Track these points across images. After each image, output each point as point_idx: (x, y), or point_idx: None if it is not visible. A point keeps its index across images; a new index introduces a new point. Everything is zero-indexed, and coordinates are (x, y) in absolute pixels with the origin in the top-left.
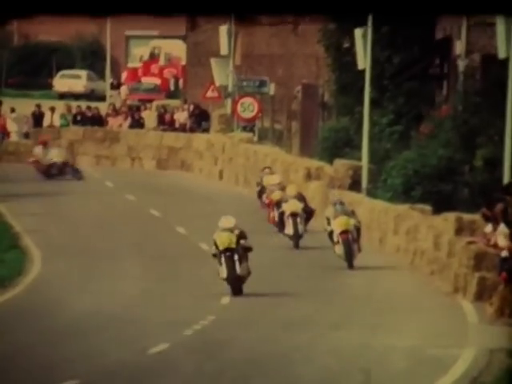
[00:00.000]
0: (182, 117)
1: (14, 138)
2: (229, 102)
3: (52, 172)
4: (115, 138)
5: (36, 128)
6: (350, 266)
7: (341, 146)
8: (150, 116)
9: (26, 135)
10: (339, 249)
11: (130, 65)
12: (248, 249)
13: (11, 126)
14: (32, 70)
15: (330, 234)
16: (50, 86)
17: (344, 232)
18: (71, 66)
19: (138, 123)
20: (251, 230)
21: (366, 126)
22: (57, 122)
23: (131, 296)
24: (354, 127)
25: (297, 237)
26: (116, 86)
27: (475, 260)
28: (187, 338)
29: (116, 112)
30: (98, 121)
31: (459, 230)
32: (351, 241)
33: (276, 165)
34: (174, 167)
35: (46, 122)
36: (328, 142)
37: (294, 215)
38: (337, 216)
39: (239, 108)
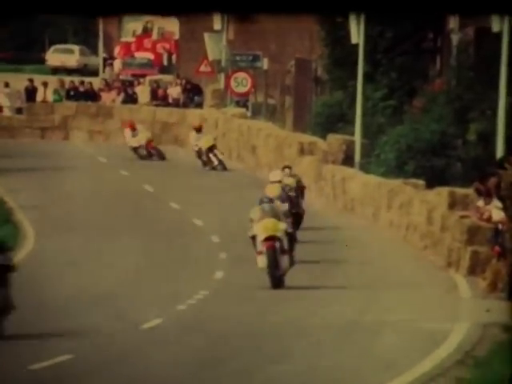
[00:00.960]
0: (175, 92)
1: (6, 113)
2: (222, 76)
3: (140, 153)
4: (108, 113)
5: (29, 103)
6: (275, 284)
7: (334, 120)
8: (143, 91)
9: (19, 110)
10: (262, 261)
11: (123, 39)
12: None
13: (4, 101)
14: (24, 45)
15: (253, 238)
16: (42, 61)
17: (269, 239)
18: (64, 41)
19: (131, 98)
20: (244, 205)
21: (360, 100)
22: (50, 97)
23: (125, 271)
24: (348, 102)
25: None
26: (108, 61)
27: (468, 234)
28: (181, 313)
29: (109, 87)
30: (91, 96)
31: (452, 205)
32: (278, 251)
33: (269, 140)
34: (168, 142)
35: (39, 96)
36: (321, 116)
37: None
38: (262, 218)
39: (232, 83)
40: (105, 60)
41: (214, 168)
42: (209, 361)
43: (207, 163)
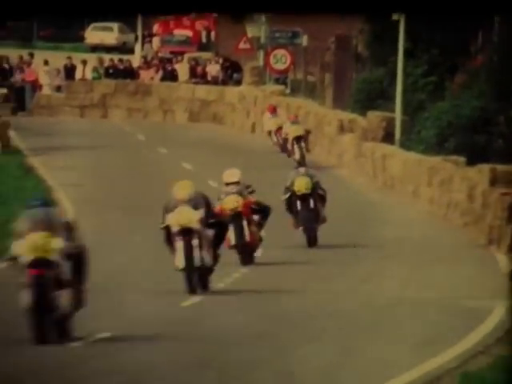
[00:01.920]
0: (213, 69)
1: (46, 91)
2: (261, 53)
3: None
4: (147, 90)
5: (68, 81)
6: (191, 290)
7: (374, 97)
8: (181, 68)
9: (58, 88)
10: (179, 259)
11: (162, 17)
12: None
13: (44, 79)
14: (63, 23)
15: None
16: (81, 39)
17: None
18: (103, 19)
19: (170, 75)
20: (281, 183)
21: (400, 77)
22: (89, 75)
23: (165, 250)
24: (388, 78)
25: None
26: (147, 38)
27: (509, 212)
28: (219, 292)
29: (148, 64)
30: (129, 73)
31: (493, 182)
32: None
33: (309, 117)
34: (206, 120)
35: (77, 74)
36: (361, 93)
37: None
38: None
39: (272, 60)
40: (144, 37)
41: (297, 162)
42: (248, 336)
43: (290, 153)
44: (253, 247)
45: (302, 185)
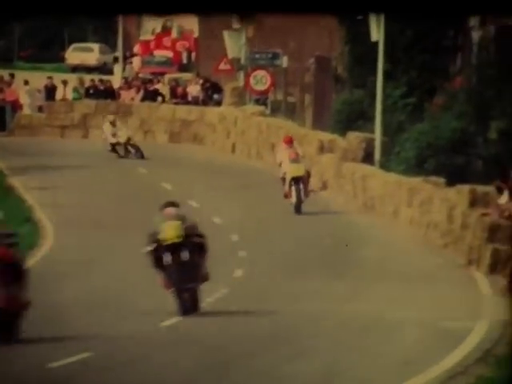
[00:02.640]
0: (194, 90)
1: (26, 111)
2: (241, 74)
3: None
4: (128, 111)
5: (48, 101)
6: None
7: (354, 118)
8: (162, 89)
9: (39, 108)
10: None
11: (143, 37)
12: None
13: (24, 99)
14: (44, 43)
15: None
16: (62, 59)
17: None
18: (83, 39)
19: (153, 95)
20: (266, 201)
21: (380, 98)
22: (69, 95)
23: (145, 269)
24: (368, 99)
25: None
26: (128, 59)
27: (489, 232)
28: (202, 311)
29: (128, 85)
30: (110, 94)
31: (473, 202)
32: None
33: None
34: (187, 140)
35: (58, 95)
36: (341, 114)
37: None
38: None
39: (252, 81)
40: (125, 58)
41: (294, 207)
42: (228, 357)
43: (287, 195)
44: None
45: (170, 231)
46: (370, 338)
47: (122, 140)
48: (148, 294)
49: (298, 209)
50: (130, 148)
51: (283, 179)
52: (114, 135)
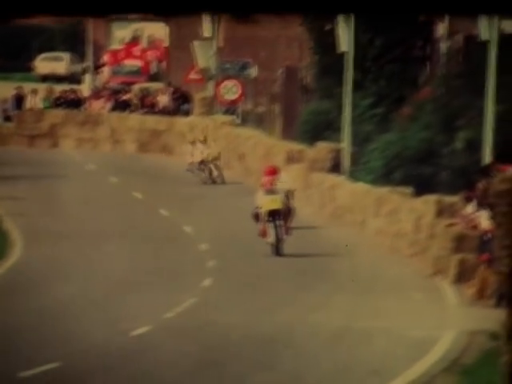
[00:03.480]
0: (163, 100)
1: None
2: (211, 84)
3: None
4: (97, 120)
5: (17, 110)
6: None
7: (322, 128)
8: (132, 99)
9: (8, 118)
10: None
11: (112, 47)
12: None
13: None
14: (12, 53)
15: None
16: (30, 69)
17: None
18: (52, 49)
19: (123, 105)
20: (236, 211)
21: (347, 108)
22: (39, 104)
23: (114, 279)
24: (336, 110)
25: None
26: (98, 68)
27: (455, 242)
28: (168, 321)
29: (98, 95)
30: (79, 104)
31: (440, 212)
32: None
33: (257, 148)
34: (157, 150)
35: (27, 104)
36: (309, 124)
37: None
38: None
39: (222, 90)
40: (95, 67)
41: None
42: (197, 366)
43: (263, 234)
44: None
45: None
46: (339, 347)
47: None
48: (119, 303)
49: (277, 250)
50: (213, 169)
51: (256, 216)
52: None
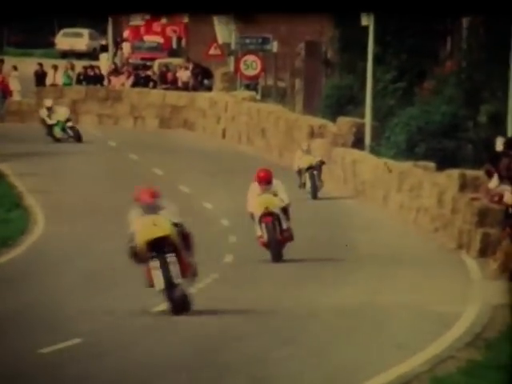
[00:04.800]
0: (184, 75)
1: (16, 97)
2: (232, 59)
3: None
4: (118, 96)
5: (38, 87)
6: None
7: (344, 103)
8: (153, 75)
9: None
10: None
11: (132, 23)
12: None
13: (14, 85)
14: (34, 29)
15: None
16: (52, 45)
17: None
18: (73, 25)
19: (145, 81)
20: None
21: (369, 83)
22: (60, 80)
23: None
24: (358, 84)
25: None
26: (118, 44)
27: (479, 216)
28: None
29: (117, 71)
30: (100, 80)
31: (463, 187)
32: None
33: (279, 123)
34: (177, 126)
35: (48, 80)
36: (331, 99)
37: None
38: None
39: (242, 66)
40: (116, 43)
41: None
42: (218, 342)
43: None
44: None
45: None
46: (362, 322)
47: (61, 119)
48: (139, 278)
49: (314, 194)
50: (68, 130)
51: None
52: (49, 117)
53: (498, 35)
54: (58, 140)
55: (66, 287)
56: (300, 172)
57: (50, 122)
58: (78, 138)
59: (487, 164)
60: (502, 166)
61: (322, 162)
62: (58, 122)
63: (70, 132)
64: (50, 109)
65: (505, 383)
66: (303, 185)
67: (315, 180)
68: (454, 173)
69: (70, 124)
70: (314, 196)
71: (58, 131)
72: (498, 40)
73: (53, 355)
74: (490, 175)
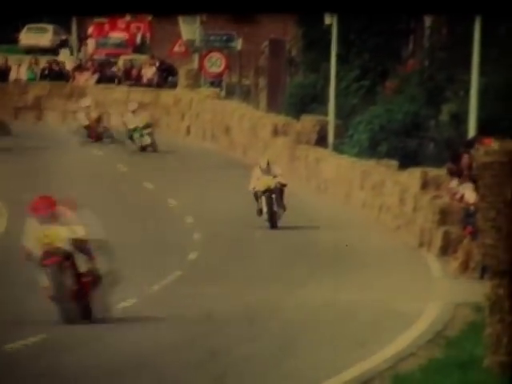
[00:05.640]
0: (149, 72)
1: None
2: (196, 57)
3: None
4: (82, 93)
5: (2, 82)
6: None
7: (308, 101)
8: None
9: None
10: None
11: (97, 19)
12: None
13: None
14: None
15: None
16: (16, 41)
17: None
18: (37, 20)
19: (109, 78)
20: (221, 183)
21: (333, 81)
22: (24, 75)
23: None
24: (321, 83)
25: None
26: (83, 40)
27: (440, 214)
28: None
29: (82, 67)
30: (65, 76)
31: (424, 185)
32: None
33: (243, 120)
34: None
35: (12, 76)
36: (295, 97)
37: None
38: None
39: (207, 63)
40: (80, 40)
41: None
42: (181, 339)
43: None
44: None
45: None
46: (324, 320)
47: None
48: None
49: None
50: (145, 136)
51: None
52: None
53: (459, 35)
54: (140, 148)
55: (27, 282)
56: (256, 195)
57: (129, 126)
58: (154, 147)
59: (449, 163)
60: (463, 165)
61: (282, 185)
62: (137, 127)
63: (148, 139)
64: (133, 112)
65: (466, 381)
66: (259, 211)
67: (273, 206)
68: (416, 171)
69: (148, 130)
70: (273, 225)
71: (136, 136)
72: (460, 39)
73: (17, 351)
74: (451, 174)
